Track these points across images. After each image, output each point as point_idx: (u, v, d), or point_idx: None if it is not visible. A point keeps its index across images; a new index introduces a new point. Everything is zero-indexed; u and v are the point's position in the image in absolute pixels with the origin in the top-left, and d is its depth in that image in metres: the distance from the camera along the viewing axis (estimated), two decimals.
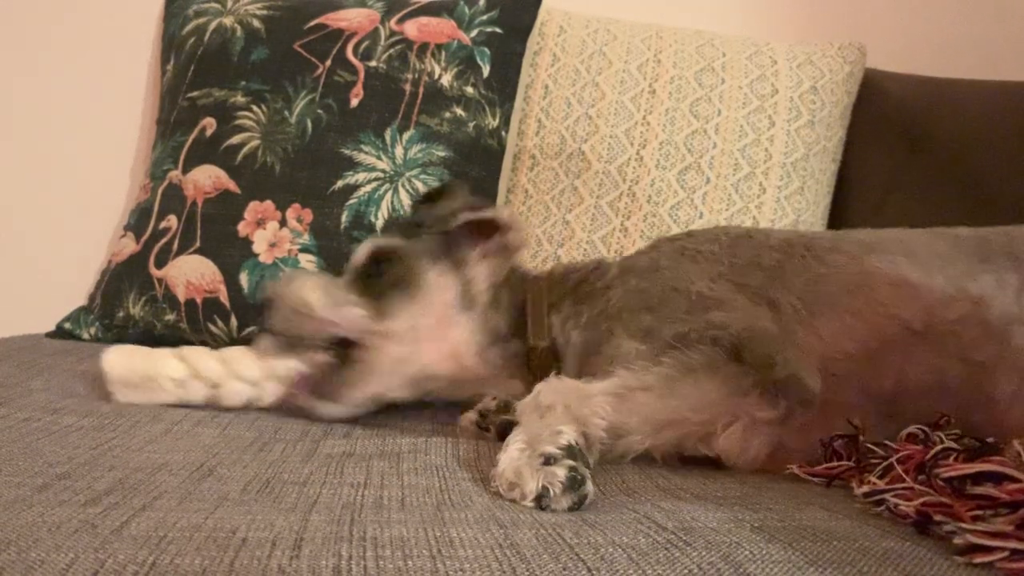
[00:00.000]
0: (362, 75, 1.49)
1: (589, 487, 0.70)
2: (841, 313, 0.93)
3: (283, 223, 1.41)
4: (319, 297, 1.01)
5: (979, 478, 0.67)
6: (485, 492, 0.75)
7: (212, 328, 1.41)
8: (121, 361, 1.00)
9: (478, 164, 1.50)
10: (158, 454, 0.82)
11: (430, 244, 1.10)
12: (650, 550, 0.60)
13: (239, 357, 1.03)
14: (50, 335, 1.52)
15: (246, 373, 1.02)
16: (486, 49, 1.54)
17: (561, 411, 0.80)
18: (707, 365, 0.85)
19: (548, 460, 0.71)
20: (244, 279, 1.40)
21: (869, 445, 0.84)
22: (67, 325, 1.51)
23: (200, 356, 1.02)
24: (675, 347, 0.87)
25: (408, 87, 1.48)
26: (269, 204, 1.42)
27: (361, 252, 1.10)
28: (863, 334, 0.91)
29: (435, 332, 1.06)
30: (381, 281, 1.05)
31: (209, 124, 1.51)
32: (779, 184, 1.53)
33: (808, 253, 0.98)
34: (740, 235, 1.06)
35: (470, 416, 1.03)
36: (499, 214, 1.11)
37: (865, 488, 0.75)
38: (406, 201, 1.41)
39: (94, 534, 0.58)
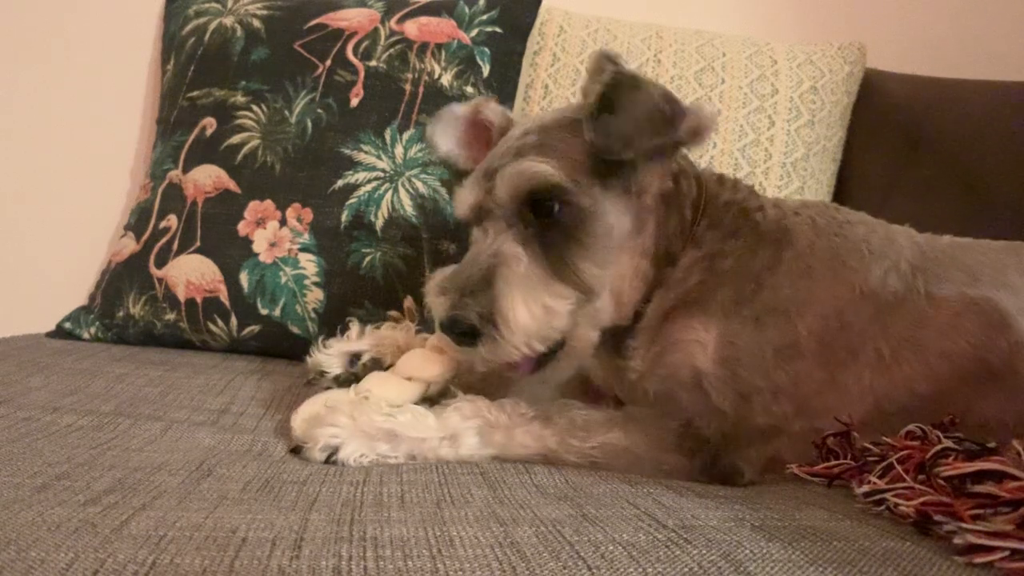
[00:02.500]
0: (362, 75, 1.49)
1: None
2: (929, 356, 0.91)
3: (283, 222, 1.41)
4: (542, 331, 0.86)
5: (979, 476, 0.67)
6: (484, 485, 0.75)
7: (212, 327, 1.41)
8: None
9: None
10: (157, 454, 0.82)
11: (596, 162, 0.90)
12: (650, 548, 0.60)
13: (429, 363, 0.97)
14: (50, 335, 1.52)
15: (441, 376, 0.97)
16: (486, 49, 1.54)
17: (472, 441, 0.86)
18: (647, 449, 0.87)
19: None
20: (244, 279, 1.40)
21: (865, 444, 0.84)
22: (67, 325, 1.51)
23: (381, 383, 0.96)
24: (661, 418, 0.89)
25: (408, 87, 1.48)
26: (269, 203, 1.42)
27: (515, 186, 0.89)
28: (942, 375, 0.90)
29: (617, 274, 0.93)
30: (555, 230, 0.89)
31: (209, 124, 1.51)
32: (779, 184, 1.53)
33: (925, 287, 0.94)
34: (881, 246, 0.97)
35: None
36: (702, 118, 0.88)
37: (865, 488, 0.75)
38: (406, 201, 1.41)
39: (94, 533, 0.58)
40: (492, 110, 1.06)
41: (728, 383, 0.88)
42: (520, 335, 0.84)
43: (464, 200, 0.96)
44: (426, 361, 0.97)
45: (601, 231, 0.90)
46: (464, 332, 0.85)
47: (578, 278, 0.89)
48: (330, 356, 1.08)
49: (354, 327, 1.12)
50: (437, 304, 0.88)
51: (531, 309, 0.85)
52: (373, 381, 0.96)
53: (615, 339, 0.97)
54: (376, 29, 1.54)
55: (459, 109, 1.09)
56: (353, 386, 0.96)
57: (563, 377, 0.94)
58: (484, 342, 0.84)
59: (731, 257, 0.94)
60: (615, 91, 0.87)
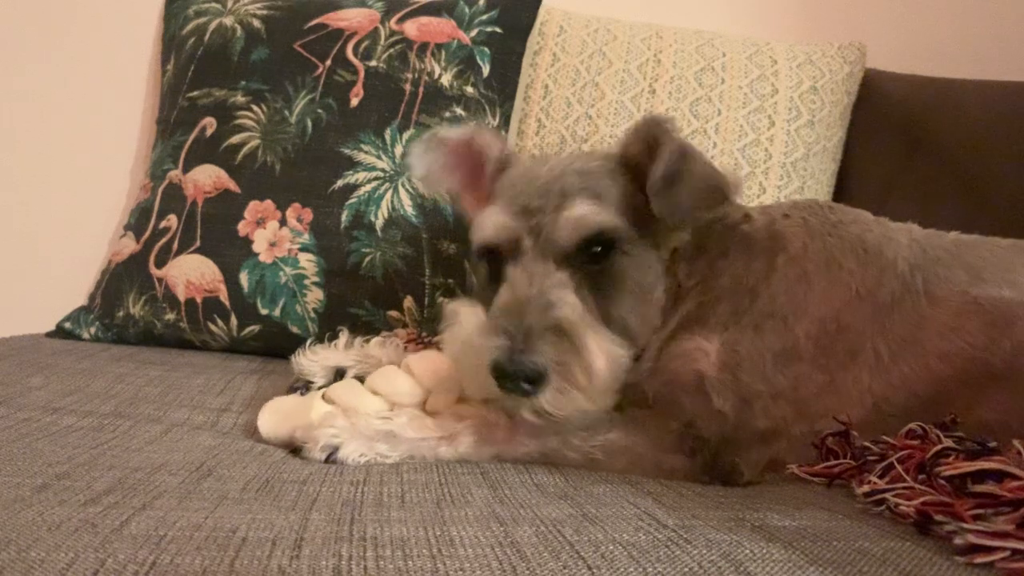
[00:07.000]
0: (362, 75, 1.49)
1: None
2: (928, 358, 0.90)
3: (283, 222, 1.41)
4: (611, 387, 0.84)
5: (980, 476, 0.67)
6: (484, 485, 0.75)
7: (212, 327, 1.41)
8: (272, 426, 0.91)
9: None
10: (157, 454, 0.82)
11: (636, 206, 0.91)
12: (651, 548, 0.60)
13: (398, 382, 0.95)
14: (50, 335, 1.52)
15: (408, 399, 0.94)
16: (486, 49, 1.54)
17: (471, 440, 0.86)
18: (647, 449, 0.86)
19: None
20: (244, 279, 1.40)
21: (865, 443, 0.84)
22: (67, 325, 1.51)
23: (350, 392, 0.94)
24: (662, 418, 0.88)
25: (408, 87, 1.48)
26: (269, 203, 1.42)
27: (576, 230, 0.88)
28: (943, 377, 0.90)
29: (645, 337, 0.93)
30: (603, 278, 0.89)
31: (209, 124, 1.51)
32: (779, 184, 1.53)
33: (924, 287, 0.93)
34: (877, 245, 0.96)
35: None
36: (737, 186, 0.89)
37: (865, 488, 0.75)
38: (406, 201, 1.41)
39: (94, 533, 0.58)
40: (488, 140, 1.05)
41: (729, 387, 0.88)
42: (600, 387, 0.81)
43: (497, 228, 0.93)
44: (396, 381, 0.96)
45: (642, 282, 0.92)
46: (529, 379, 0.79)
47: (625, 329, 0.89)
48: (315, 365, 1.07)
49: (343, 336, 1.11)
50: (491, 346, 0.81)
51: (609, 360, 0.83)
52: (341, 389, 0.95)
53: None
54: (376, 29, 1.54)
55: (448, 134, 1.06)
56: (322, 390, 0.96)
57: (575, 422, 0.89)
58: (549, 392, 0.79)
59: (725, 275, 0.95)
60: (679, 162, 0.87)
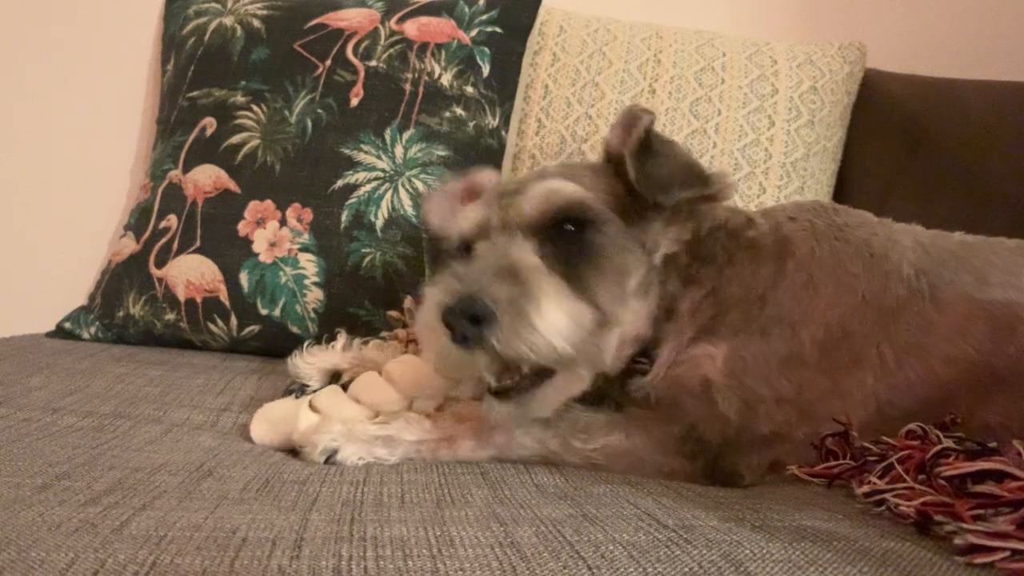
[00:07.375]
0: (362, 75, 1.49)
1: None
2: (933, 362, 0.90)
3: (283, 222, 1.41)
4: (567, 334, 0.79)
5: (980, 476, 0.67)
6: (484, 485, 0.75)
7: (212, 328, 1.41)
8: (263, 434, 0.92)
9: (478, 164, 1.49)
10: (158, 454, 0.82)
11: (621, 201, 0.90)
12: (651, 547, 0.60)
13: (380, 391, 0.94)
14: (50, 335, 1.52)
15: (390, 407, 0.93)
16: (486, 49, 1.54)
17: (470, 443, 0.86)
18: (648, 452, 0.86)
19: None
20: (244, 279, 1.40)
21: (865, 444, 0.84)
22: (67, 325, 1.51)
23: (334, 401, 0.94)
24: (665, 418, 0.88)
25: (408, 87, 1.48)
26: (269, 203, 1.42)
27: (545, 202, 0.87)
28: (947, 381, 0.89)
29: (620, 328, 0.90)
30: (575, 252, 0.85)
31: (209, 124, 1.51)
32: (779, 184, 1.53)
33: (930, 291, 0.92)
34: (883, 249, 0.96)
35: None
36: (727, 183, 0.89)
37: (865, 488, 0.75)
38: (406, 200, 1.41)
39: (94, 533, 0.58)
40: (486, 177, 1.07)
41: (735, 392, 0.88)
42: (551, 327, 0.77)
43: (471, 217, 0.92)
44: (377, 391, 0.95)
45: (620, 264, 0.88)
46: (476, 317, 0.75)
47: (594, 301, 0.84)
48: (311, 368, 1.07)
49: (341, 339, 1.11)
50: (441, 291, 0.78)
51: (562, 306, 0.79)
52: (326, 397, 0.95)
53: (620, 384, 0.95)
54: (376, 29, 1.54)
55: (452, 186, 1.08)
56: (309, 397, 0.95)
57: (545, 412, 0.85)
58: (500, 332, 0.75)
59: (734, 283, 0.94)
60: (654, 139, 0.88)
